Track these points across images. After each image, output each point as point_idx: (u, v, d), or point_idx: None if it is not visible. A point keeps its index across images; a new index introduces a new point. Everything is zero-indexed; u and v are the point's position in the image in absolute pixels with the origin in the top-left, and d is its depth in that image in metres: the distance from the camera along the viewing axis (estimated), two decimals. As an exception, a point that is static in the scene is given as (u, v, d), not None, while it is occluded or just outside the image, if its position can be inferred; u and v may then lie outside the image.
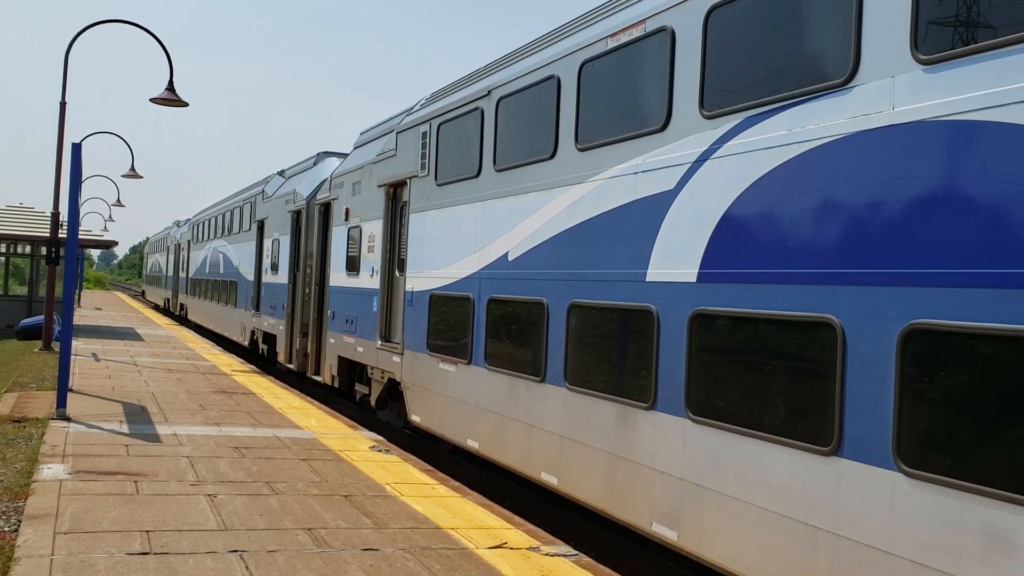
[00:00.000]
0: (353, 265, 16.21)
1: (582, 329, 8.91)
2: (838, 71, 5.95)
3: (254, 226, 26.29)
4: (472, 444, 11.24)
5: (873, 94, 5.67)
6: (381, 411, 15.22)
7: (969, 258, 4.98)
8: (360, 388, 16.05)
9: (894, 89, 5.53)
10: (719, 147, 7.01)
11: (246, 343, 26.57)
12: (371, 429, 13.95)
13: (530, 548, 7.23)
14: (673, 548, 7.49)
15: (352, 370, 16.73)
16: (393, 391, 14.33)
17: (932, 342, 5.18)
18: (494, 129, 10.95)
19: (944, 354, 5.14)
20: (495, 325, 10.72)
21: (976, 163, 5.00)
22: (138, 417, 12.57)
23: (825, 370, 5.88)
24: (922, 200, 5.30)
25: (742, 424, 6.60)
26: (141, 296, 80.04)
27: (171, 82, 19.42)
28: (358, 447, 11.45)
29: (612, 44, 8.60)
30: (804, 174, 6.16)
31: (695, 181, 7.27)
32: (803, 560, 5.99)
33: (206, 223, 37.44)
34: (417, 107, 14.20)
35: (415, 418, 13.11)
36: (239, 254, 28.86)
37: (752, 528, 6.47)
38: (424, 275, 12.83)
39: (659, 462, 7.56)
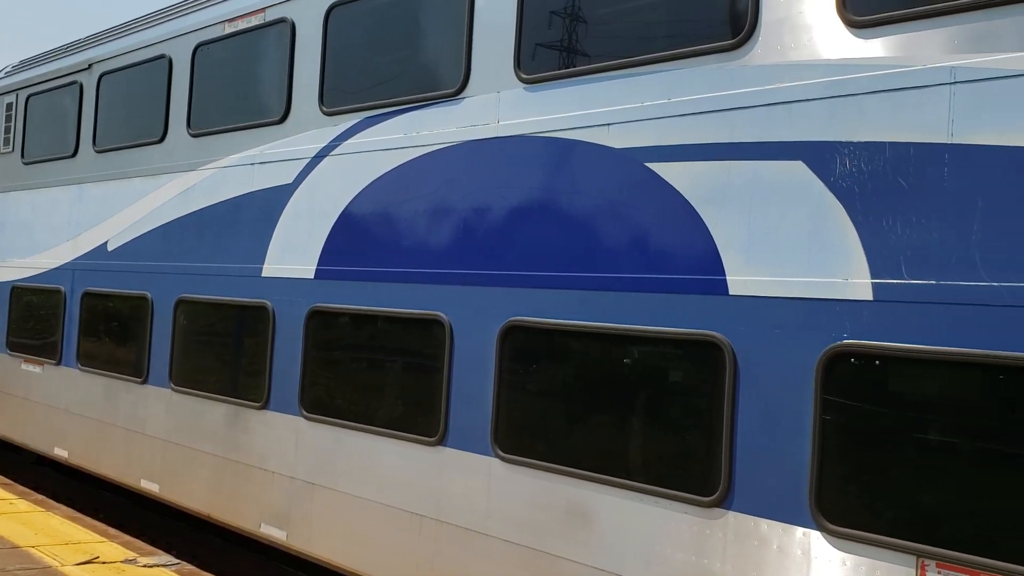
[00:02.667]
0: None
1: (191, 326, 8.46)
2: (451, 82, 6.28)
3: None
4: (60, 453, 10.17)
5: (481, 107, 6.06)
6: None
7: (560, 263, 5.51)
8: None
9: (499, 104, 5.96)
10: (338, 144, 7.05)
11: None
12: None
13: (126, 560, 6.72)
14: (282, 548, 7.38)
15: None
16: (-38, 396, 12.51)
17: (526, 338, 5.66)
18: (95, 106, 10.02)
19: (535, 349, 5.64)
20: (91, 322, 9.80)
21: (567, 177, 5.55)
22: None
23: (434, 365, 6.17)
24: (521, 208, 5.76)
25: (356, 420, 6.69)
26: None
27: None
28: (-87, 462, 9.82)
29: (230, 29, 8.29)
30: (418, 178, 6.40)
31: (314, 177, 7.25)
32: (408, 549, 6.22)
33: None
34: (2, 75, 12.55)
35: (-10, 426, 11.56)
36: None
37: (361, 521, 6.58)
38: (5, 264, 11.37)
39: (270, 463, 7.41)
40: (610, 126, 5.34)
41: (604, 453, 5.22)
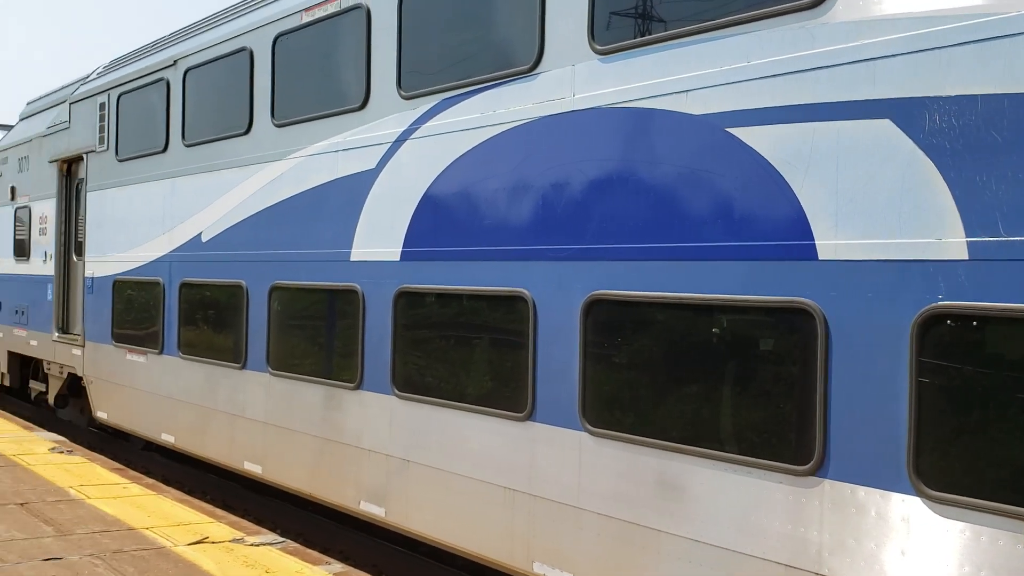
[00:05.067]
0: (22, 249, 14.62)
1: (285, 312, 8.70)
2: (525, 58, 6.26)
3: None
4: (167, 438, 10.63)
5: (556, 81, 6.03)
6: (61, 409, 13.93)
7: (641, 234, 5.47)
8: (35, 385, 14.56)
9: (574, 77, 5.92)
10: (417, 127, 7.12)
11: None
12: (51, 430, 12.72)
13: (234, 540, 6.99)
14: (381, 525, 7.58)
15: (26, 366, 15.13)
16: (75, 387, 13.15)
17: (610, 311, 5.65)
18: (182, 101, 10.33)
19: (620, 321, 5.62)
20: (189, 311, 10.17)
21: (645, 147, 5.50)
22: None
23: (519, 341, 6.21)
24: (600, 181, 5.73)
25: (446, 397, 6.80)
26: None
27: None
28: (36, 450, 10.39)
29: (307, 18, 8.42)
30: (496, 156, 6.43)
31: (396, 161, 7.34)
32: (503, 522, 6.31)
33: None
34: (94, 76, 13.04)
35: (101, 415, 12.13)
36: None
37: (456, 496, 6.70)
38: (106, 259, 11.86)
39: (365, 441, 7.60)
40: (688, 92, 5.25)
41: (695, 424, 5.19)
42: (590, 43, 5.81)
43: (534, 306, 6.09)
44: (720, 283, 5.05)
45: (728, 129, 5.04)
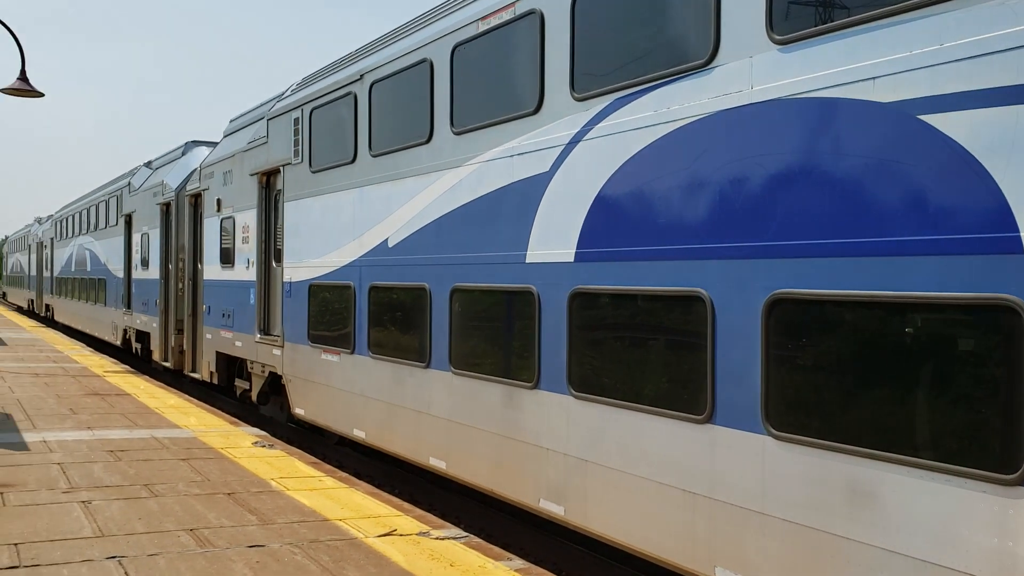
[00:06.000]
0: (227, 257, 15.78)
1: (465, 313, 8.94)
2: (699, 52, 6.14)
3: (121, 220, 25.27)
4: (359, 434, 11.16)
5: (733, 74, 5.88)
6: (263, 406, 14.91)
7: (827, 229, 5.24)
8: (240, 384, 15.67)
9: (752, 69, 5.75)
10: (590, 129, 7.14)
11: (118, 343, 25.54)
12: (254, 425, 13.66)
13: (420, 533, 7.25)
14: (560, 523, 7.64)
15: (231, 365, 16.31)
16: (275, 385, 14.06)
17: (794, 310, 5.44)
18: (368, 114, 10.83)
19: (805, 321, 5.41)
20: (378, 313, 10.64)
21: (830, 138, 5.26)
22: (2, 425, 11.91)
23: (697, 342, 6.10)
24: (781, 175, 5.54)
25: (622, 397, 6.77)
26: (1, 298, 75.82)
27: (23, 71, 18.35)
28: (240, 443, 11.19)
29: (483, 27, 8.62)
30: (670, 153, 6.34)
31: (569, 163, 7.39)
32: (683, 525, 6.21)
33: (70, 219, 35.79)
34: (288, 93, 13.89)
35: (299, 411, 12.90)
36: (107, 250, 27.69)
37: (634, 498, 6.66)
38: (302, 265, 12.60)
39: (544, 440, 7.69)
40: (875, 80, 4.99)
41: (886, 429, 4.92)
42: (768, 33, 5.63)
43: (712, 306, 5.96)
44: (913, 280, 4.76)
45: (920, 117, 4.74)
